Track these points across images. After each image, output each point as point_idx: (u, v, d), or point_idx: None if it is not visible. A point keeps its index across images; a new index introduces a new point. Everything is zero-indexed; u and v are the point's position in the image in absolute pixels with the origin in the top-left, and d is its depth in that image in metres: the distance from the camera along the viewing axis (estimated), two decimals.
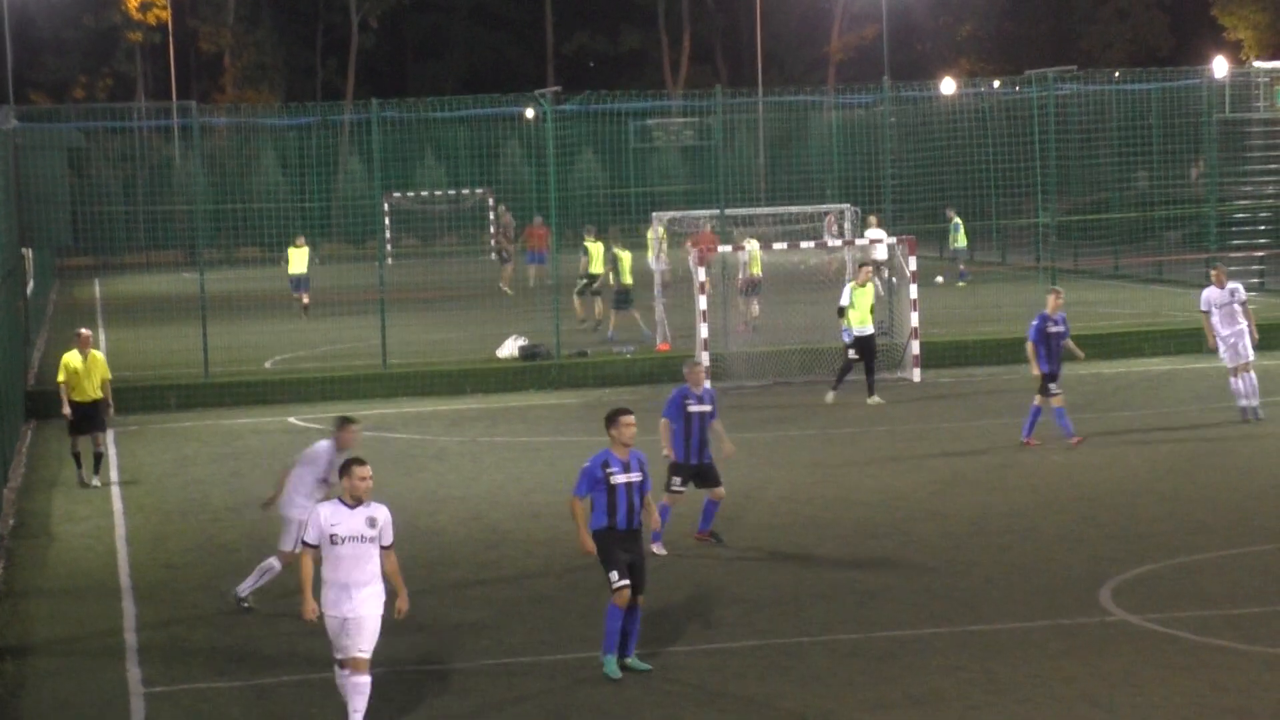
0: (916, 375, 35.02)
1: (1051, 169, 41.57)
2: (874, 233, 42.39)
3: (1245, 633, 16.92)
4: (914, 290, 35.29)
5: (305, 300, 51.05)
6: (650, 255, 46.61)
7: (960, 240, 56.48)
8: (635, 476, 16.14)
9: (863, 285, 32.82)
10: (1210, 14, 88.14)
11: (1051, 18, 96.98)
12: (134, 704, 16.08)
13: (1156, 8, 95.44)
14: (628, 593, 15.99)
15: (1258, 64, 56.60)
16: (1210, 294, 29.02)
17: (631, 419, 16.24)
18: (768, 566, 20.48)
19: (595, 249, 43.39)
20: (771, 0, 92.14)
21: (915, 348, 35.31)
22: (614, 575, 15.94)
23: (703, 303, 35.35)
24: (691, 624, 17.96)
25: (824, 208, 44.35)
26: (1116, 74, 56.80)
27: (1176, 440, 27.85)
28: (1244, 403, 29.00)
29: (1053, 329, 27.42)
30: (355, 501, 14.58)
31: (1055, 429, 27.26)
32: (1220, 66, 56.90)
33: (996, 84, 57.73)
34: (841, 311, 33.00)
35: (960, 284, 53.61)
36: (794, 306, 38.56)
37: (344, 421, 19.16)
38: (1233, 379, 29.02)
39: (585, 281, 41.67)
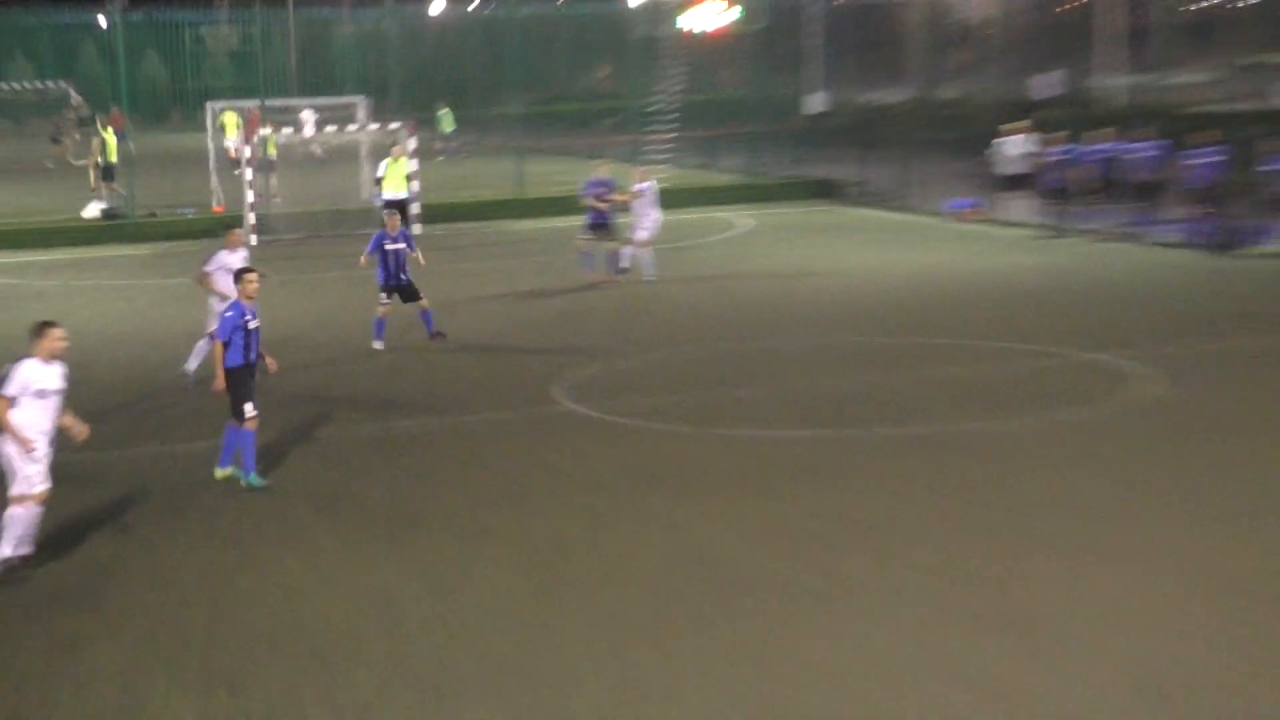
0: (418, 229, 34.93)
1: (518, 70, 42.12)
2: (306, 114, 43.25)
3: (663, 416, 17.79)
4: (414, 164, 35.13)
5: None
6: (229, 138, 45.54)
7: (447, 125, 56.56)
8: (256, 322, 15.28)
9: (395, 160, 33.25)
10: None
11: None
12: None
13: None
14: (257, 420, 15.16)
15: None
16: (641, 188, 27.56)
17: (248, 273, 15.39)
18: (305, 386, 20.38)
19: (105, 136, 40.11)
20: None
21: (416, 208, 35.28)
22: (248, 407, 14.98)
23: (249, 174, 34.69)
24: None
25: (344, 100, 43.65)
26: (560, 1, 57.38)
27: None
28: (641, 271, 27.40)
29: (594, 192, 26.77)
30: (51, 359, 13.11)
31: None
32: None
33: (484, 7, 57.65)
34: (379, 181, 33.15)
35: (441, 159, 53.66)
36: (321, 175, 38.10)
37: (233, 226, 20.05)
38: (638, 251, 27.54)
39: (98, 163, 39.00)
